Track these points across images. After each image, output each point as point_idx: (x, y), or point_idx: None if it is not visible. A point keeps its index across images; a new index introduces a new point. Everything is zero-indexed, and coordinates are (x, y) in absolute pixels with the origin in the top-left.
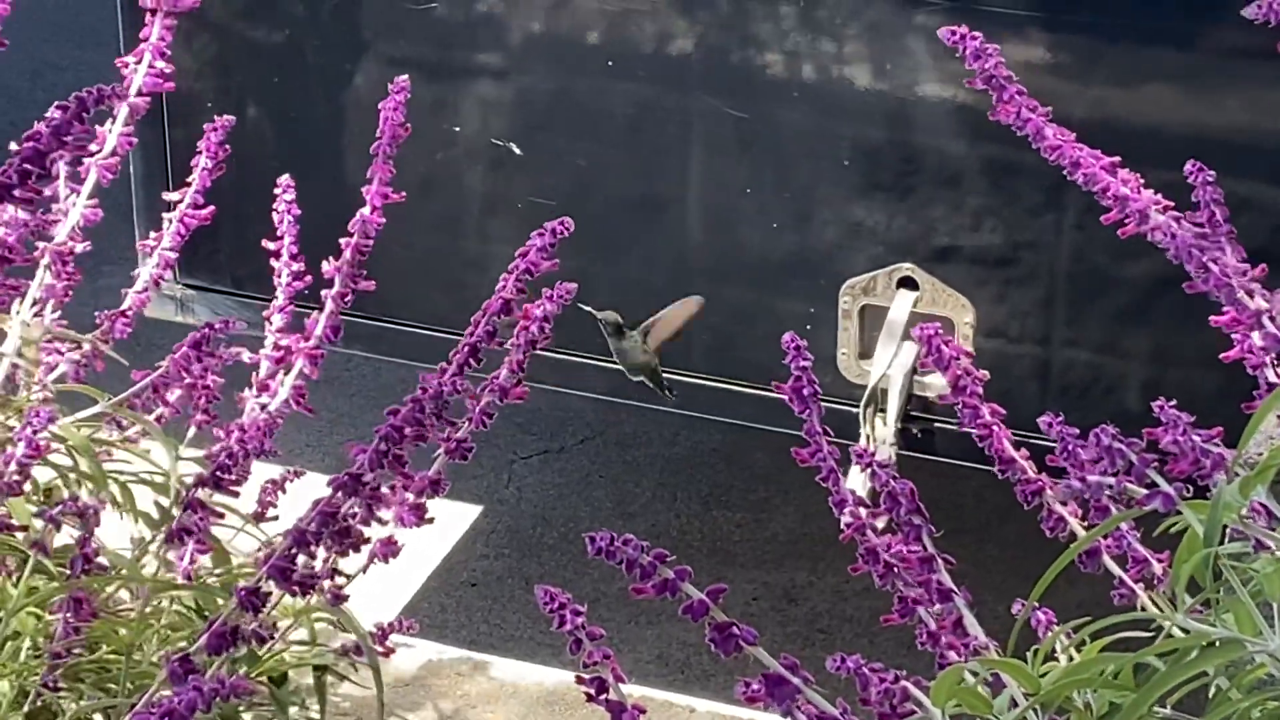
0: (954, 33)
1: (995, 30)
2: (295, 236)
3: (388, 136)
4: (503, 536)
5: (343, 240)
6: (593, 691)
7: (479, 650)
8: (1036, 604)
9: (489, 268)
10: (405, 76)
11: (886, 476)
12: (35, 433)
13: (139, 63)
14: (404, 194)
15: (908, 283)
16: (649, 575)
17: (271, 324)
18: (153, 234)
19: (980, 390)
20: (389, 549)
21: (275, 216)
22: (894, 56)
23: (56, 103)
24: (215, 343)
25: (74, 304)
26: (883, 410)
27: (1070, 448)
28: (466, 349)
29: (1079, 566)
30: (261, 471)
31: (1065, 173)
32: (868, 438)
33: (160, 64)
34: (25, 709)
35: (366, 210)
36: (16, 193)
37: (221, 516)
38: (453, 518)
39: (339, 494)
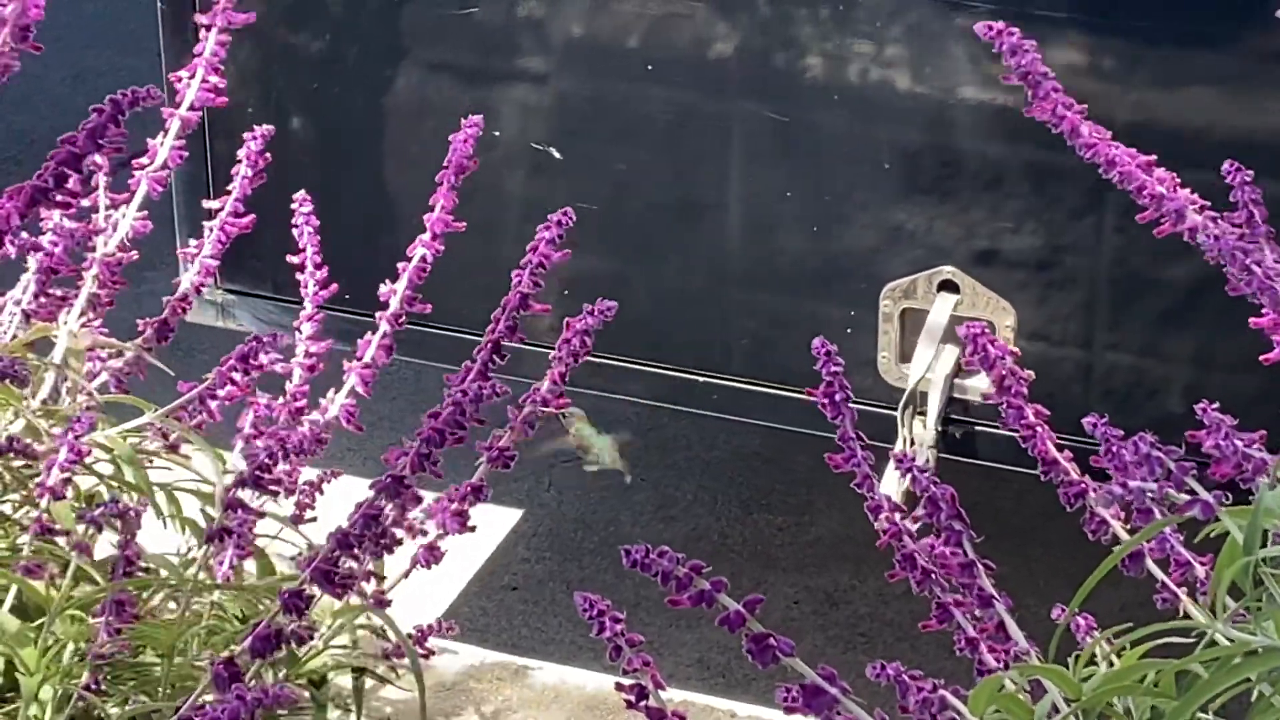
0: (991, 28)
1: (1037, 33)
2: (317, 247)
3: (454, 168)
4: (543, 540)
5: (400, 264)
6: (632, 698)
7: (520, 654)
8: (1077, 610)
9: None
10: (480, 116)
11: (927, 481)
12: (77, 438)
13: (192, 77)
14: (464, 224)
15: (948, 286)
16: (685, 587)
17: (301, 332)
18: (193, 241)
19: (1025, 391)
20: (432, 555)
21: (295, 231)
22: (934, 59)
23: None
24: (262, 354)
25: (115, 310)
26: (922, 413)
27: (1114, 450)
28: (489, 346)
29: (1122, 570)
30: (300, 474)
31: (1101, 171)
32: (906, 440)
33: (213, 79)
34: (68, 712)
35: (426, 237)
36: (54, 195)
37: (262, 516)
38: (493, 521)
39: (381, 496)
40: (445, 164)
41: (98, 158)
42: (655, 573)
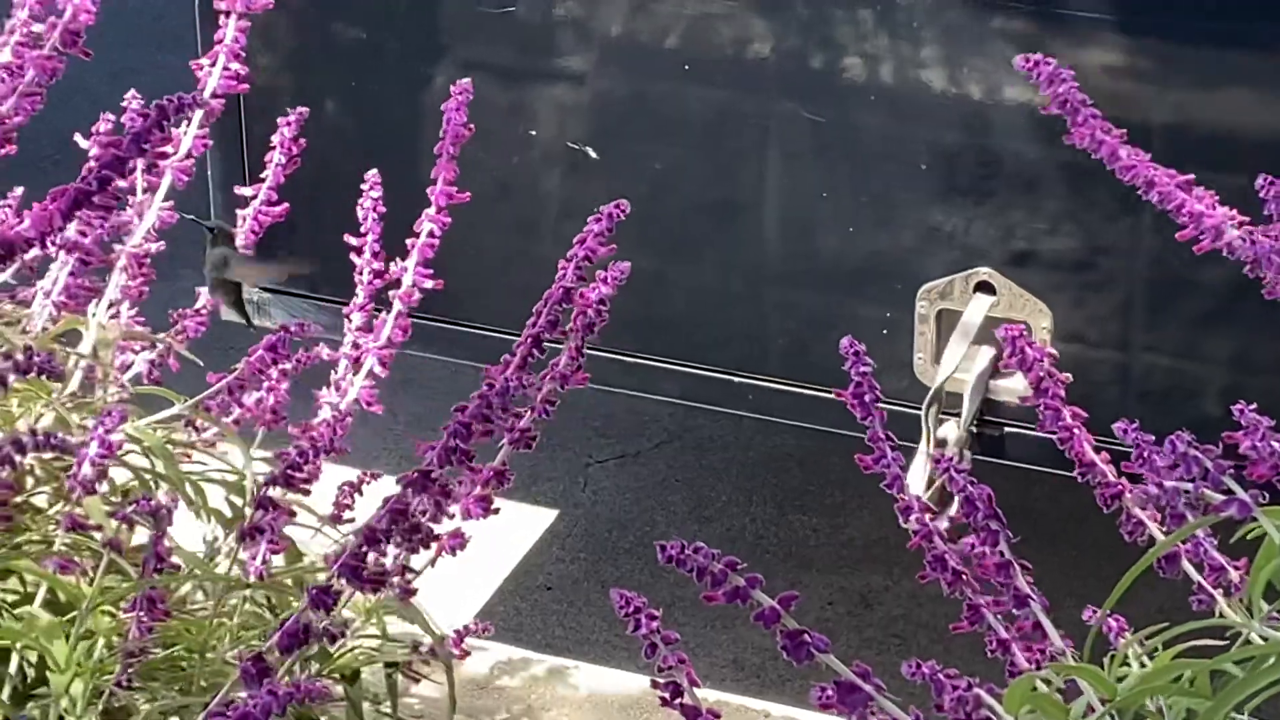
0: (1028, 59)
1: (1073, 34)
2: (378, 235)
3: (450, 137)
4: (578, 540)
5: (409, 241)
6: (668, 696)
7: (554, 654)
8: (1110, 611)
9: None
10: (468, 80)
11: (964, 481)
12: (108, 432)
13: (213, 65)
14: (469, 194)
15: (985, 287)
16: (720, 583)
17: (351, 322)
18: (240, 246)
19: (1062, 393)
20: (456, 541)
21: (360, 212)
22: (972, 60)
23: (136, 109)
24: (291, 345)
25: (152, 306)
26: (950, 413)
27: (1146, 454)
28: (529, 340)
29: (1158, 572)
30: (338, 474)
31: (1140, 192)
32: (930, 439)
33: (235, 66)
34: (100, 707)
35: (432, 210)
36: (96, 199)
37: (293, 515)
38: (528, 521)
39: (408, 491)
40: (441, 134)
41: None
42: (690, 569)
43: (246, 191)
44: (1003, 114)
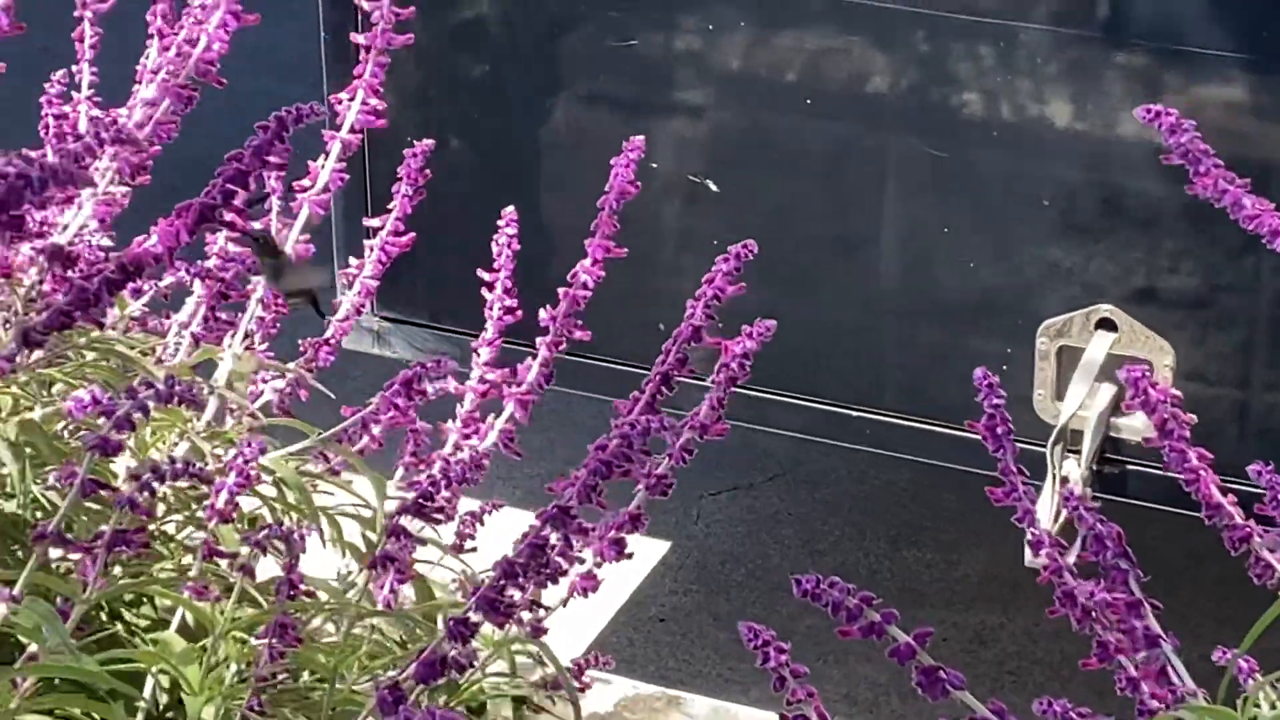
0: (1149, 110)
1: (1193, 70)
2: (511, 271)
3: (615, 192)
4: (691, 572)
5: (560, 290)
6: None
7: (667, 685)
8: (1242, 652)
9: (683, 304)
10: (641, 138)
11: (1093, 519)
12: (246, 462)
13: (352, 99)
14: (625, 250)
15: (1106, 324)
16: (855, 618)
17: (479, 356)
18: (354, 261)
19: (1187, 434)
20: (589, 583)
21: (495, 249)
22: (1094, 96)
23: (258, 123)
24: (425, 381)
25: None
26: (1074, 450)
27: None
28: (658, 378)
29: None
30: (460, 504)
31: (1265, 241)
32: (1056, 478)
33: (373, 101)
34: None
35: (587, 262)
36: (221, 213)
37: (424, 544)
38: (641, 553)
39: (546, 527)
40: (607, 189)
41: (272, 179)
42: (826, 603)
43: (374, 223)
44: (1124, 150)
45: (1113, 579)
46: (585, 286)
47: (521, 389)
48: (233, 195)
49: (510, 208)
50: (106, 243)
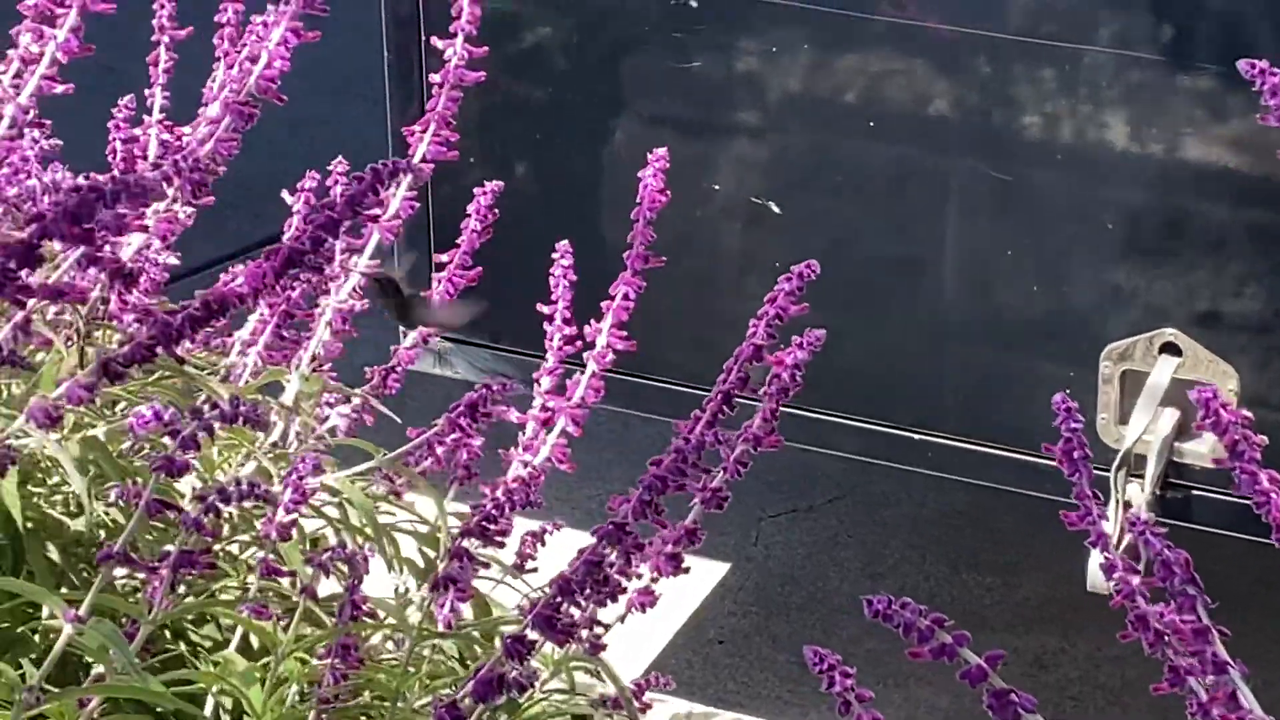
0: (1253, 66)
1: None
2: (569, 302)
3: (647, 203)
4: (750, 594)
5: (604, 303)
6: None
7: (726, 708)
8: None
9: (745, 325)
10: (664, 149)
11: (1160, 544)
12: (301, 478)
13: (424, 131)
14: (664, 259)
15: (1170, 348)
16: (926, 639)
17: (540, 385)
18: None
19: (1258, 456)
20: (646, 599)
21: (552, 281)
22: (1157, 118)
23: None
24: (490, 404)
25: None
26: (1136, 475)
27: None
28: (720, 396)
29: None
30: (520, 524)
31: None
32: (1120, 503)
33: (445, 133)
34: None
35: (628, 273)
36: (309, 259)
37: (486, 566)
38: (700, 574)
39: (603, 543)
40: (638, 200)
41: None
42: (897, 624)
43: (442, 258)
44: (1188, 173)
45: (1180, 604)
46: (626, 298)
47: (572, 403)
48: (322, 242)
49: (564, 241)
50: (173, 261)
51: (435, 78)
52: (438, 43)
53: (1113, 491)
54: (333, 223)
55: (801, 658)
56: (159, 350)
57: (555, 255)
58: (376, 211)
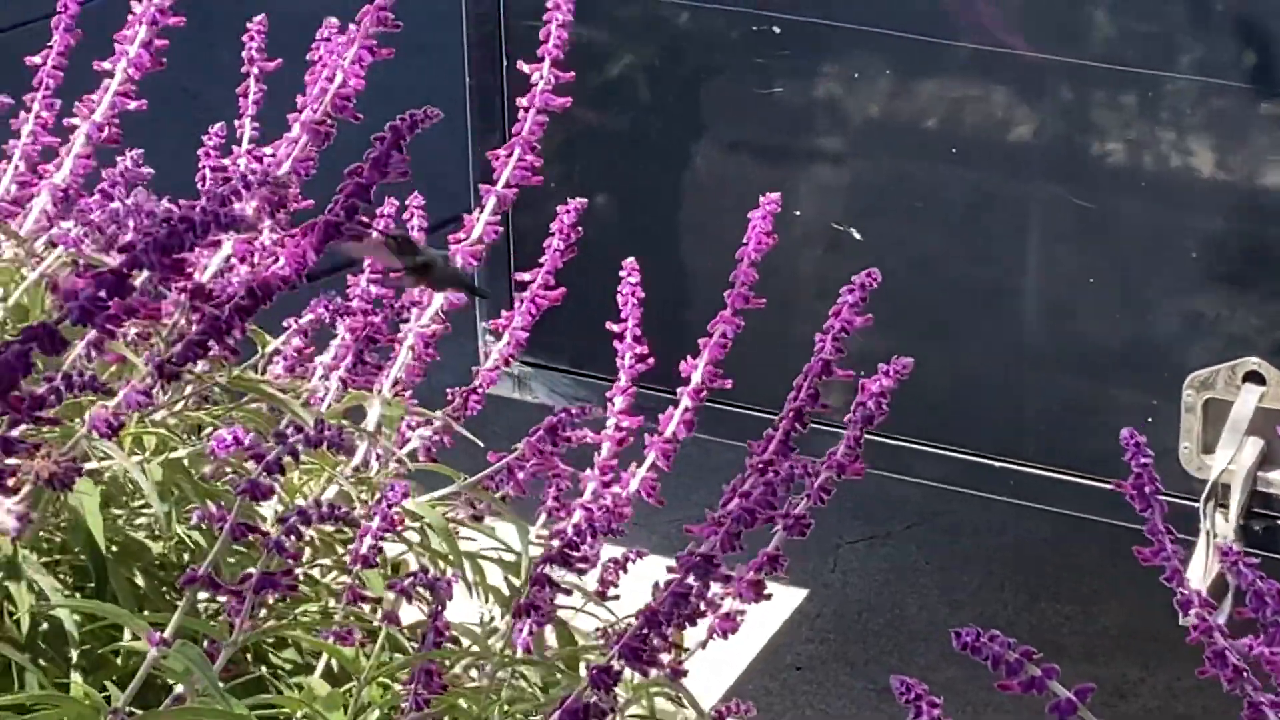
0: None
1: None
2: (638, 320)
3: (753, 244)
4: (828, 621)
5: (701, 340)
6: None
7: None
8: None
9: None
10: (777, 194)
11: (1253, 575)
12: (390, 507)
13: (509, 155)
14: (764, 301)
15: (1254, 377)
16: (1015, 672)
17: (614, 405)
18: (504, 313)
19: None
20: (728, 625)
21: (620, 299)
22: (1240, 146)
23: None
24: (569, 427)
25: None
26: (1223, 506)
27: None
28: (791, 414)
29: None
30: (602, 550)
31: None
32: (1208, 534)
33: (529, 158)
34: None
35: (727, 312)
36: (345, 229)
37: (569, 594)
38: (778, 600)
39: (689, 574)
40: (745, 240)
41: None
42: (985, 656)
43: (525, 277)
44: (1271, 200)
45: (1271, 635)
46: (724, 336)
47: (664, 438)
48: (355, 210)
49: (631, 259)
50: None
51: (521, 101)
52: (524, 67)
53: (1202, 521)
54: (361, 187)
55: (878, 684)
56: (211, 345)
57: (623, 274)
58: (402, 169)
